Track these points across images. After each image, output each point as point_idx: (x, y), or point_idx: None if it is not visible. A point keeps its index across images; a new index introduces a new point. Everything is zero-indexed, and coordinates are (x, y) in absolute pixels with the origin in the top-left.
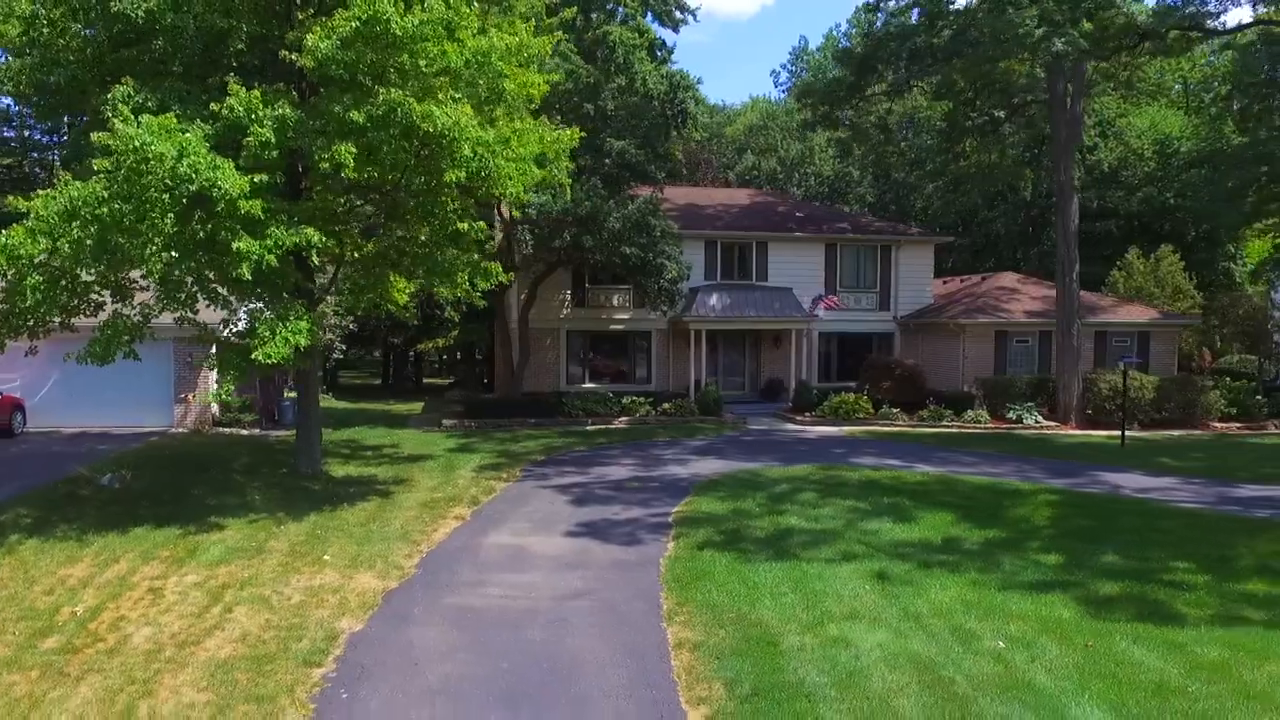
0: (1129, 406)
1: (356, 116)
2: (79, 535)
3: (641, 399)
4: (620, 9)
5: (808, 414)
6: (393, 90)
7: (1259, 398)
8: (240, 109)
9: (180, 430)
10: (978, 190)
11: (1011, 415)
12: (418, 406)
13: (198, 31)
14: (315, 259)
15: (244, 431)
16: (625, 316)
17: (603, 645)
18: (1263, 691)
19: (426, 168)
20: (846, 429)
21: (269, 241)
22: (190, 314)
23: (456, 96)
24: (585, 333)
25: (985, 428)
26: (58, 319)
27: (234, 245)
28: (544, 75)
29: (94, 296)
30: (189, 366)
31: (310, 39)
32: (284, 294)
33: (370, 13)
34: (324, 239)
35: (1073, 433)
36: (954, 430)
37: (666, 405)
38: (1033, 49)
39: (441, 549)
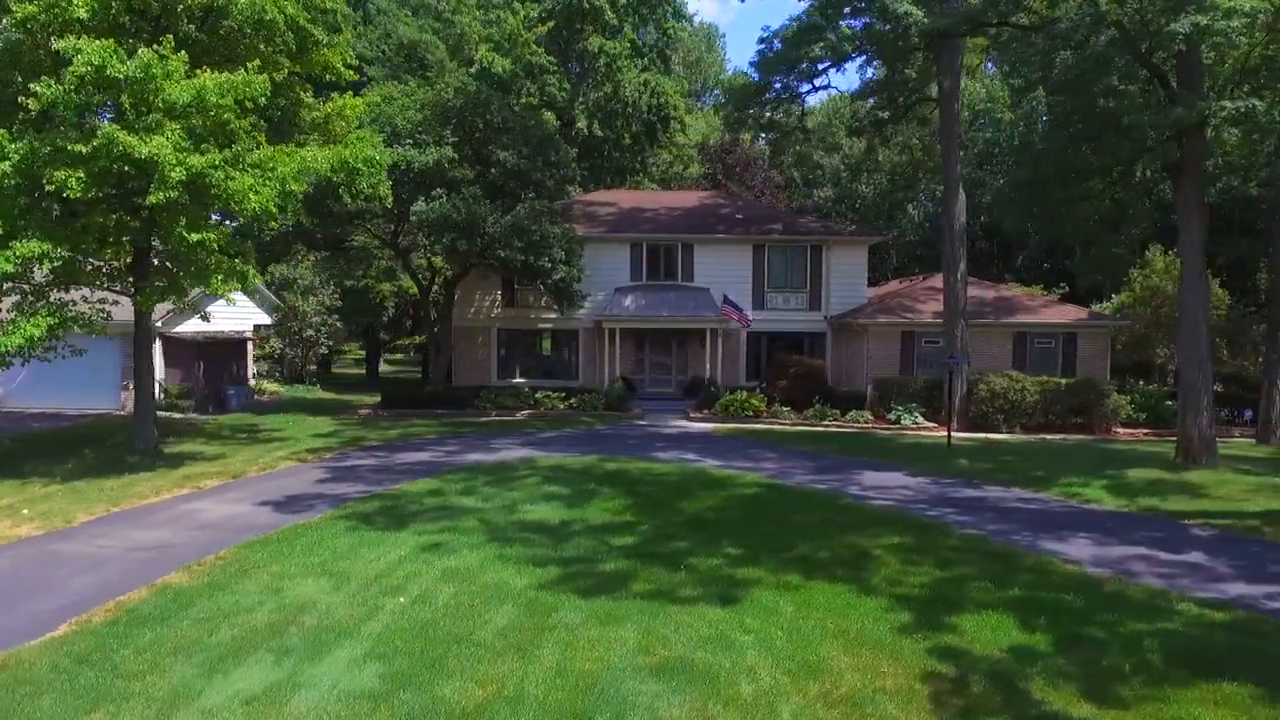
0: (1009, 410)
1: (79, 147)
2: None
3: (557, 394)
4: (606, 20)
5: (705, 411)
6: (108, 125)
7: (1169, 403)
8: None
9: (121, 413)
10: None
11: (892, 416)
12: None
13: None
14: (47, 267)
15: (177, 415)
16: (552, 316)
17: (106, 580)
18: (529, 645)
19: (148, 188)
20: (717, 426)
21: (10, 253)
22: None
23: (175, 128)
24: (515, 331)
25: (858, 426)
26: None
27: None
28: (364, 97)
29: None
30: (132, 358)
31: (38, 86)
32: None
33: (97, 61)
34: (54, 249)
35: (930, 434)
36: (819, 429)
37: (573, 400)
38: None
39: (129, 511)
